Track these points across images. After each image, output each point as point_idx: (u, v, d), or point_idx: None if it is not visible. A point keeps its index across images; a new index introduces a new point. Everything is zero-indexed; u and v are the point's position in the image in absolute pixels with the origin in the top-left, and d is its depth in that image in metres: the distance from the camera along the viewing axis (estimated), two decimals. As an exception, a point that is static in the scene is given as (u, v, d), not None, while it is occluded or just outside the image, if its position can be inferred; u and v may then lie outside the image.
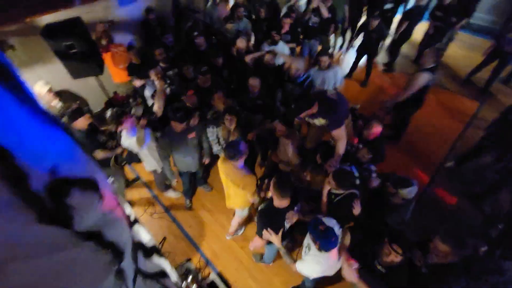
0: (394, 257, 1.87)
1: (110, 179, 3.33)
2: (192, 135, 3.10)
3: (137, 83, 4.08)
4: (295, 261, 2.26)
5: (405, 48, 6.06)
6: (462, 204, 3.64)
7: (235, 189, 2.64)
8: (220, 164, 2.65)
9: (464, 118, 4.92)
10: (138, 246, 1.27)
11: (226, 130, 3.19)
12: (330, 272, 2.15)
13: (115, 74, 4.62)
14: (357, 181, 2.41)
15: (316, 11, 5.15)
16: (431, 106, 5.03)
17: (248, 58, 3.95)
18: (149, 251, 1.35)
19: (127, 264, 0.76)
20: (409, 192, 2.23)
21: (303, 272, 2.19)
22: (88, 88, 4.50)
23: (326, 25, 5.04)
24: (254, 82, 3.40)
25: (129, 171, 4.38)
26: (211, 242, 3.52)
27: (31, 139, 0.40)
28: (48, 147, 0.44)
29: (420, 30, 5.69)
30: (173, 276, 1.37)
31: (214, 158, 4.31)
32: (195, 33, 4.27)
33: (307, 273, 2.17)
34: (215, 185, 4.11)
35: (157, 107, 3.28)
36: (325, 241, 1.93)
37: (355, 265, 2.06)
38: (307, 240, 2.23)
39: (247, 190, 2.58)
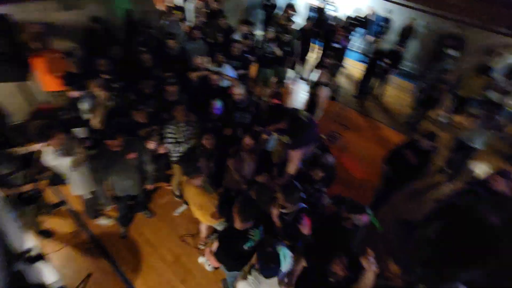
0: (340, 270, 1.86)
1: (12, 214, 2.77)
2: (132, 155, 2.78)
3: (73, 94, 3.63)
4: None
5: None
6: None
7: (194, 205, 2.50)
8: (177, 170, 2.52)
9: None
10: None
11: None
12: None
13: (48, 82, 4.07)
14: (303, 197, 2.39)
15: (273, 41, 5.45)
16: (366, 135, 5.68)
17: (194, 75, 3.89)
18: None
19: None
20: (362, 219, 2.25)
21: None
22: (8, 94, 3.86)
23: (284, 57, 5.31)
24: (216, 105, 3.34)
25: (52, 193, 3.74)
26: (148, 277, 3.09)
27: None
28: None
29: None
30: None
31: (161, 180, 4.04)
32: (144, 49, 4.08)
33: None
34: (158, 211, 3.73)
35: (97, 120, 2.91)
36: (264, 265, 1.81)
37: None
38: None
39: (204, 211, 2.39)
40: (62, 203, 3.62)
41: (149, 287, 3.01)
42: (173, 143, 3.23)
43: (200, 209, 2.48)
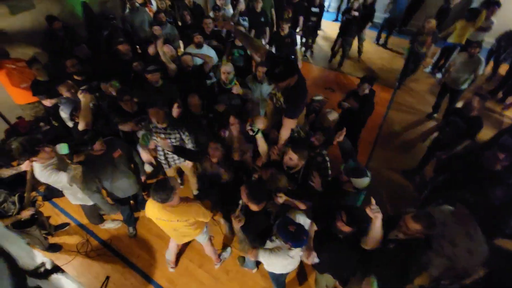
0: (342, 226, 1.91)
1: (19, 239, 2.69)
2: (117, 153, 2.68)
3: (47, 103, 3.44)
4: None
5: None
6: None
7: (186, 225, 2.35)
8: (152, 212, 2.25)
9: (384, 103, 5.57)
10: None
11: (208, 163, 2.78)
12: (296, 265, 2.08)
13: (17, 96, 3.84)
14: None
15: (244, 14, 5.21)
16: None
17: (171, 67, 3.61)
18: None
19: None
20: (362, 182, 2.24)
21: (271, 268, 2.08)
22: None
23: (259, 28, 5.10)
24: (193, 101, 3.11)
25: (53, 212, 3.66)
26: (165, 269, 3.15)
27: None
28: None
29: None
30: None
31: (155, 171, 3.99)
32: (120, 40, 3.82)
33: (278, 270, 2.06)
34: (161, 205, 3.73)
35: (84, 125, 2.76)
36: (297, 242, 1.86)
37: (316, 259, 2.07)
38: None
39: (200, 218, 2.34)
40: (65, 224, 3.53)
41: (169, 278, 3.08)
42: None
43: (197, 217, 2.33)
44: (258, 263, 3.11)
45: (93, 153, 2.52)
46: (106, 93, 3.41)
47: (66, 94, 3.15)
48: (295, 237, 1.84)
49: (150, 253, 3.29)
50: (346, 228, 1.92)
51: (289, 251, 1.96)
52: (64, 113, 3.26)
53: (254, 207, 2.08)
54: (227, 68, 3.35)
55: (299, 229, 1.87)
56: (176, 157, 3.19)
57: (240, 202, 2.17)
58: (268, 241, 2.13)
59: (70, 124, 3.22)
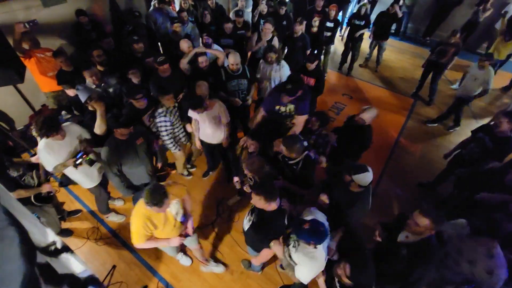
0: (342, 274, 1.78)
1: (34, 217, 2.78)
2: (140, 140, 2.77)
3: (70, 92, 3.56)
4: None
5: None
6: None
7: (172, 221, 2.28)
8: (142, 213, 2.09)
9: (404, 112, 5.43)
10: (65, 279, 1.02)
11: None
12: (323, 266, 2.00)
13: (43, 84, 4.00)
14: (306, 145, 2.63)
15: (267, 16, 5.23)
16: (373, 102, 5.59)
17: (182, 65, 3.75)
18: (82, 284, 1.10)
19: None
20: (364, 177, 2.18)
21: (302, 278, 1.99)
22: (10, 100, 3.82)
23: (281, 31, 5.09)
24: (200, 90, 3.17)
25: (67, 199, 3.78)
26: (170, 263, 3.16)
27: None
28: None
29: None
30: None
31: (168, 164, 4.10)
32: (135, 38, 3.93)
33: (308, 276, 1.97)
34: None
35: (100, 129, 2.85)
36: (317, 237, 1.82)
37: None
38: (291, 240, 2.08)
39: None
40: (77, 211, 3.63)
41: (172, 273, 3.09)
42: (168, 130, 3.21)
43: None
44: (263, 266, 3.08)
45: (118, 137, 2.60)
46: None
47: (89, 79, 3.27)
48: (314, 232, 1.80)
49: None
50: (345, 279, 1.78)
51: (315, 250, 1.90)
52: (82, 97, 3.35)
53: (273, 206, 2.07)
54: (235, 60, 3.45)
55: (313, 224, 1.83)
56: (183, 137, 3.50)
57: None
58: (291, 255, 2.05)
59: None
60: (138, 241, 2.13)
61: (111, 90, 3.53)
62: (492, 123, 3.15)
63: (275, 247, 2.09)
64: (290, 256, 2.04)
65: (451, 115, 4.95)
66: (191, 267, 3.13)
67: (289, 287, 2.89)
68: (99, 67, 3.55)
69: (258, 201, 2.02)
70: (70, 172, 2.78)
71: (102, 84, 3.43)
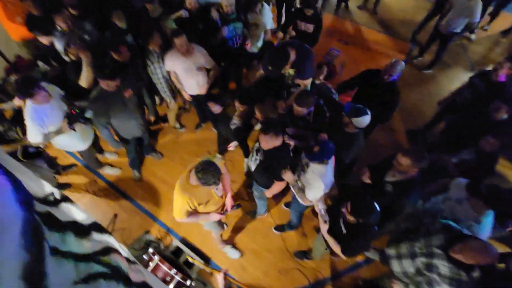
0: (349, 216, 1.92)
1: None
2: (128, 92, 2.66)
3: (44, 40, 3.26)
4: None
5: None
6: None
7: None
8: (186, 189, 2.04)
9: (401, 57, 5.25)
10: (68, 225, 1.05)
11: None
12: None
13: (13, 31, 3.66)
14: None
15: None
16: (370, 48, 5.39)
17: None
18: (86, 230, 1.15)
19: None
20: (362, 120, 2.27)
21: (314, 196, 2.22)
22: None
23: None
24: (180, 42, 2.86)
25: (60, 154, 3.75)
26: (170, 211, 3.31)
27: None
28: None
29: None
30: (123, 250, 1.20)
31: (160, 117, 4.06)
32: None
33: (318, 194, 2.19)
34: (166, 152, 3.80)
35: (86, 81, 2.66)
36: (329, 153, 2.09)
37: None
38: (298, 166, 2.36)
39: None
40: (72, 165, 3.64)
41: (172, 219, 3.20)
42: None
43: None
44: (268, 209, 3.24)
45: (106, 89, 2.49)
46: None
47: (62, 25, 2.97)
48: (325, 151, 2.06)
49: (155, 197, 3.45)
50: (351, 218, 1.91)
51: (326, 166, 2.15)
52: (59, 45, 3.10)
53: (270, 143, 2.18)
54: (229, 0, 3.20)
55: (322, 145, 2.07)
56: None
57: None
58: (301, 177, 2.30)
59: (66, 58, 3.08)
60: (180, 216, 2.12)
61: (87, 36, 3.24)
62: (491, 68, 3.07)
63: (286, 175, 2.25)
64: (298, 181, 2.32)
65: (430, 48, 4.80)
66: (194, 224, 3.28)
67: (282, 226, 3.14)
68: (71, 10, 3.19)
69: (267, 141, 2.14)
70: (60, 139, 2.62)
71: (76, 30, 3.13)
